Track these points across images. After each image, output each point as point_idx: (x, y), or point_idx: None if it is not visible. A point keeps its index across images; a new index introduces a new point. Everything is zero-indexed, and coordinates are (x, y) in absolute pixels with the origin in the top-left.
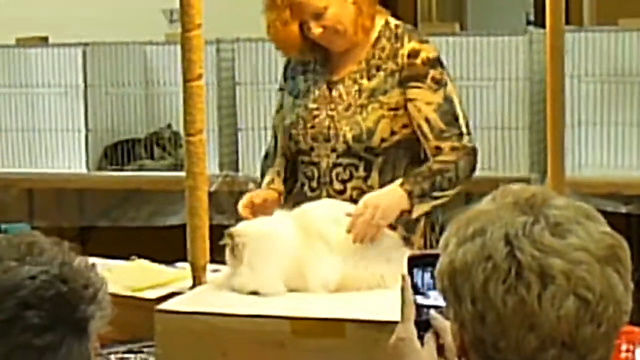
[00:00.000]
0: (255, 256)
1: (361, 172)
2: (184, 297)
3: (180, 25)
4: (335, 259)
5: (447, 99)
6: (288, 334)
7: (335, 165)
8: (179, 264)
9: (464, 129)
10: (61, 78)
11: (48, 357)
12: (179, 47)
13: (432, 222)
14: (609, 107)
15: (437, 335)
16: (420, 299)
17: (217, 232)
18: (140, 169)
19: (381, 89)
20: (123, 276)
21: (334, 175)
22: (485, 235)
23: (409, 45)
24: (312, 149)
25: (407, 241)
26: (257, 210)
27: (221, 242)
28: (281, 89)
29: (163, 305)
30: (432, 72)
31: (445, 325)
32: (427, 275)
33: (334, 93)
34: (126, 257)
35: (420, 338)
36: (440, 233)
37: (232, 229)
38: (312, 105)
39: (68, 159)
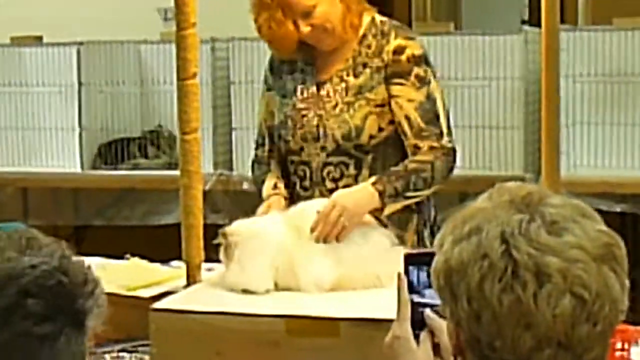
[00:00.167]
0: (245, 254)
1: (352, 170)
2: (178, 296)
3: (175, 24)
4: (328, 259)
5: (430, 98)
6: (283, 333)
7: (325, 164)
8: (173, 263)
9: (444, 129)
10: (56, 77)
11: (47, 346)
12: (173, 45)
13: (424, 219)
14: (604, 107)
15: (432, 334)
16: (416, 298)
17: (212, 231)
18: (134, 168)
19: (368, 85)
20: (118, 275)
21: (325, 174)
22: (481, 234)
23: (394, 42)
24: (302, 148)
25: (400, 238)
26: None
27: (215, 242)
28: (268, 89)
29: (158, 304)
30: (416, 70)
31: (440, 324)
32: (423, 274)
33: (322, 92)
34: (121, 256)
35: (416, 337)
36: (433, 230)
37: (225, 229)
38: (300, 105)
39: (62, 157)
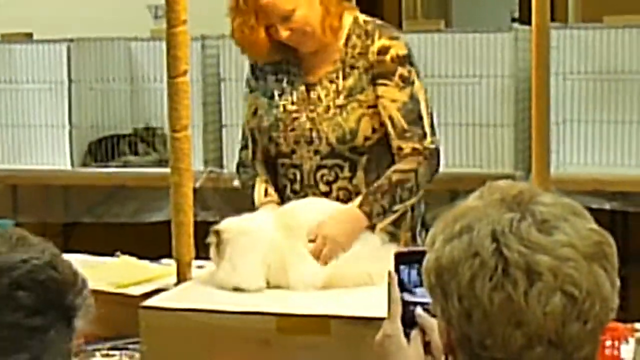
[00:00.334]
0: (236, 252)
1: (346, 173)
2: (168, 293)
3: (166, 21)
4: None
5: (413, 98)
6: (273, 330)
7: (319, 167)
8: (163, 261)
9: (427, 129)
10: (46, 74)
11: (37, 339)
12: (164, 43)
13: (418, 217)
14: (594, 105)
15: (423, 333)
16: (406, 296)
17: (202, 229)
18: (124, 166)
19: (358, 87)
20: (108, 272)
21: (318, 177)
22: (472, 232)
23: (379, 42)
24: (293, 151)
25: (394, 236)
26: None
27: (207, 241)
28: (252, 91)
29: (148, 302)
30: (400, 70)
31: (431, 322)
32: (414, 272)
33: (312, 95)
34: (111, 254)
35: (407, 335)
36: (426, 227)
37: (216, 226)
38: (290, 108)
39: (52, 155)
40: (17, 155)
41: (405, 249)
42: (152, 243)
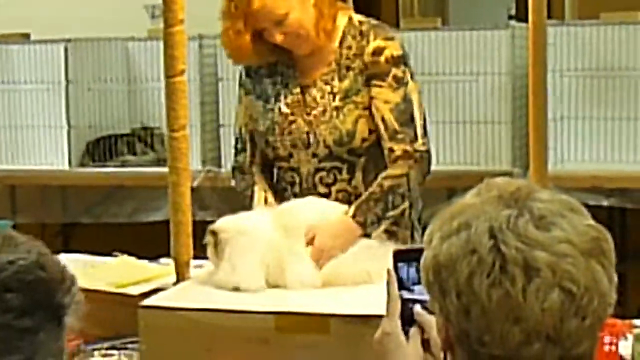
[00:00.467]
0: (235, 252)
1: (345, 175)
2: (167, 293)
3: (163, 21)
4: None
5: (406, 99)
6: (272, 329)
7: (317, 170)
8: (162, 260)
9: (419, 131)
10: (43, 74)
11: (27, 340)
12: (161, 43)
13: (415, 214)
14: (591, 102)
15: (422, 330)
16: (405, 294)
17: (200, 228)
18: (122, 165)
19: (353, 89)
20: (106, 272)
21: (317, 180)
22: (470, 229)
23: (374, 43)
24: (291, 155)
25: (392, 234)
26: None
27: (204, 241)
28: (247, 93)
29: (147, 301)
30: (394, 71)
31: (430, 320)
32: (412, 270)
33: (308, 97)
34: (109, 254)
35: (406, 333)
36: (424, 225)
37: (214, 226)
38: (286, 110)
39: (50, 155)
40: (15, 156)
41: (403, 247)
42: (150, 243)
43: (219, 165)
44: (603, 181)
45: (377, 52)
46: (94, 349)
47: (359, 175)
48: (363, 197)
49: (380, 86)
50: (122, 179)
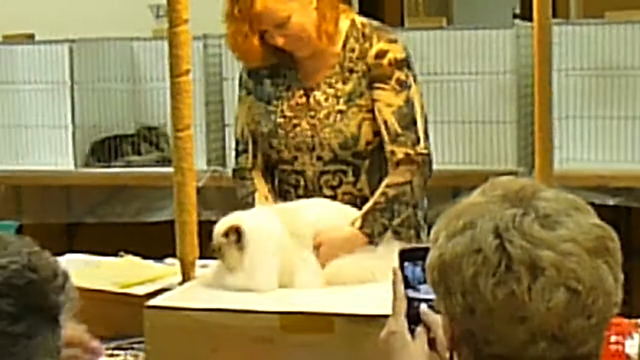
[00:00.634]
0: (257, 255)
1: (350, 177)
2: (173, 293)
3: (167, 21)
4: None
5: (409, 102)
6: (277, 329)
7: (322, 173)
8: (167, 260)
9: (420, 134)
10: (47, 75)
11: (22, 345)
12: (166, 42)
13: (421, 214)
14: (596, 101)
15: (428, 329)
16: (411, 293)
17: (206, 228)
18: (127, 165)
19: (357, 92)
20: (111, 272)
21: (322, 182)
22: (475, 228)
23: (377, 46)
24: (295, 158)
25: (397, 234)
26: None
27: (218, 238)
28: (249, 93)
29: (152, 302)
30: (397, 74)
31: (435, 319)
32: (418, 269)
33: (312, 100)
34: (114, 254)
35: (412, 332)
36: (429, 224)
37: (234, 223)
38: (289, 113)
39: (55, 155)
40: (19, 157)
41: (409, 246)
42: (155, 243)
43: (224, 165)
44: (608, 180)
45: (380, 55)
46: None
47: (364, 177)
48: (368, 206)
49: (383, 89)
50: (127, 179)
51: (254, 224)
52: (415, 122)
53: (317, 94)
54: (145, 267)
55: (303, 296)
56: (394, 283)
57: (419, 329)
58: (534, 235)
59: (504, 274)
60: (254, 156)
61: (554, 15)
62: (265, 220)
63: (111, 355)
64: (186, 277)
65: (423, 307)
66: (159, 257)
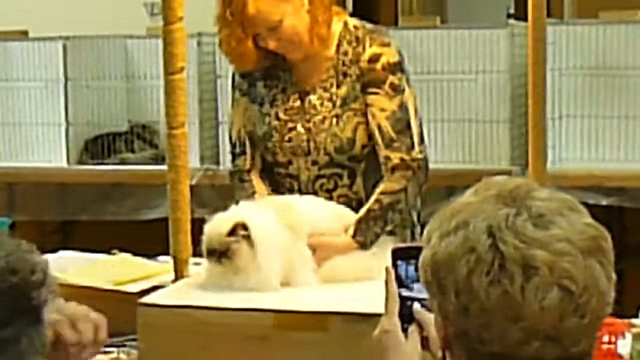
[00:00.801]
0: (264, 254)
1: (345, 180)
2: (166, 290)
3: (162, 19)
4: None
5: (403, 107)
6: (271, 327)
7: (318, 177)
8: (161, 258)
9: (415, 139)
10: (41, 72)
11: (11, 350)
12: (160, 40)
13: (415, 213)
14: (590, 100)
15: (421, 328)
16: (404, 292)
17: (199, 226)
18: (121, 163)
19: (351, 96)
20: (105, 270)
21: (317, 186)
22: (468, 228)
23: (370, 50)
24: (290, 162)
25: (391, 233)
26: None
27: (233, 237)
28: (244, 94)
29: (145, 299)
30: (391, 78)
31: (429, 317)
32: (411, 268)
33: (307, 104)
34: (108, 251)
35: (405, 331)
36: (423, 224)
37: (239, 219)
38: (284, 117)
39: (48, 152)
40: (13, 154)
41: (402, 245)
42: (149, 240)
43: (218, 163)
44: (602, 180)
45: (374, 59)
46: None
47: (359, 180)
48: (362, 214)
49: (376, 94)
50: (121, 176)
51: (257, 219)
52: (409, 127)
53: (313, 98)
54: (138, 265)
55: (298, 294)
56: (387, 282)
57: (412, 328)
58: (528, 234)
59: (498, 274)
60: (252, 157)
61: (548, 15)
62: (264, 215)
63: (104, 353)
64: (179, 274)
65: (416, 306)
66: (153, 255)
